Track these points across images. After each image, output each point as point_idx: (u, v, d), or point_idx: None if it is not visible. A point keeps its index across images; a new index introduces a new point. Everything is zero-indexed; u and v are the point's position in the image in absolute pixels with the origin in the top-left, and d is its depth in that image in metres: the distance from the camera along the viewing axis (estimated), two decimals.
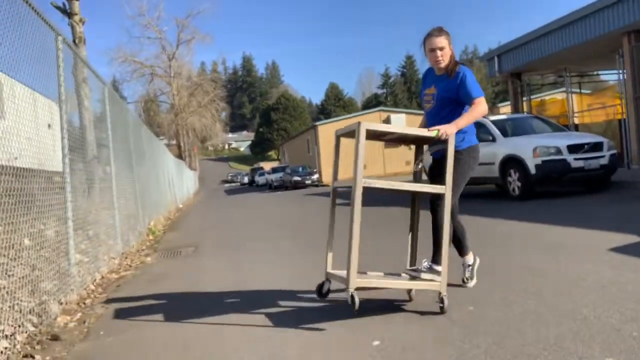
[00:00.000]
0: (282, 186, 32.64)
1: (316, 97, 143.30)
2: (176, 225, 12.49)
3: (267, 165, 56.30)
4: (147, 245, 8.65)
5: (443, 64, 3.51)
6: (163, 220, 13.05)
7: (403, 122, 33.46)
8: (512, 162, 9.54)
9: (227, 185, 61.21)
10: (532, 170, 9.09)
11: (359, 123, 3.20)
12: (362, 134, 3.19)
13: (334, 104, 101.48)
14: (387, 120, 33.67)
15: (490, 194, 11.49)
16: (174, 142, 61.80)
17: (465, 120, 3.37)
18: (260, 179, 43.41)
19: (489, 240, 5.66)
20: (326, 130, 33.30)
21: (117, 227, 7.01)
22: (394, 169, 33.44)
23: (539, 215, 7.35)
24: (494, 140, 10.06)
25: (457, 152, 3.37)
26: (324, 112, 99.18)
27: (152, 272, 6.01)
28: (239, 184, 60.40)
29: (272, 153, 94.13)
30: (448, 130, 3.24)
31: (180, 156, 54.03)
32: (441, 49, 3.48)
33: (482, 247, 4.65)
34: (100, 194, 7.02)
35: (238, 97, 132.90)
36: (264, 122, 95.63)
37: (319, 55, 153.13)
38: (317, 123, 35.35)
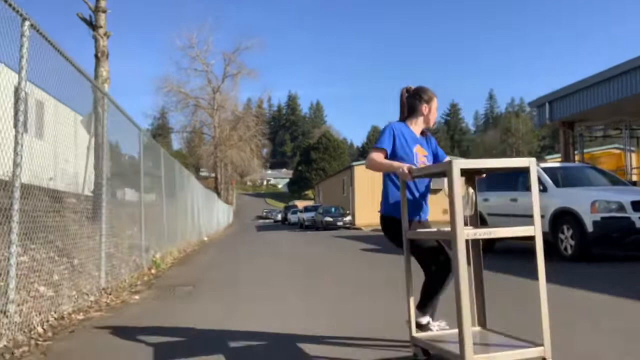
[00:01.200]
0: (313, 226, 31.61)
1: (358, 140, 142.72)
2: (189, 260, 11.58)
3: (301, 204, 55.46)
4: (143, 281, 7.71)
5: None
6: (176, 252, 12.16)
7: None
8: (565, 217, 8.28)
9: (260, 221, 60.62)
10: (589, 228, 7.80)
11: (450, 162, 2.70)
12: (456, 174, 2.60)
13: None
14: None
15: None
16: (213, 175, 62.08)
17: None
18: (292, 217, 42.50)
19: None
20: (363, 171, 32.24)
21: (102, 257, 6.12)
22: (432, 217, 31.93)
23: (600, 282, 6.08)
24: (544, 190, 8.84)
25: None
26: (364, 154, 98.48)
27: (126, 315, 5.03)
28: (272, 220, 59.71)
29: (310, 192, 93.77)
30: None
31: (216, 189, 53.96)
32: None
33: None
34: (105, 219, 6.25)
35: (280, 135, 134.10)
36: (304, 160, 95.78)
37: (363, 98, 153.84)
38: (354, 163, 34.35)
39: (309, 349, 3.50)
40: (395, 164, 3.19)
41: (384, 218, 3.46)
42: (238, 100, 66.26)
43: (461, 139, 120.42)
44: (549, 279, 6.37)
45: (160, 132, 70.77)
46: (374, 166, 3.33)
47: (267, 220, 60.74)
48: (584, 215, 7.88)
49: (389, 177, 3.41)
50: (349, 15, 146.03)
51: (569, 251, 8.18)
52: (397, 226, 3.26)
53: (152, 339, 3.95)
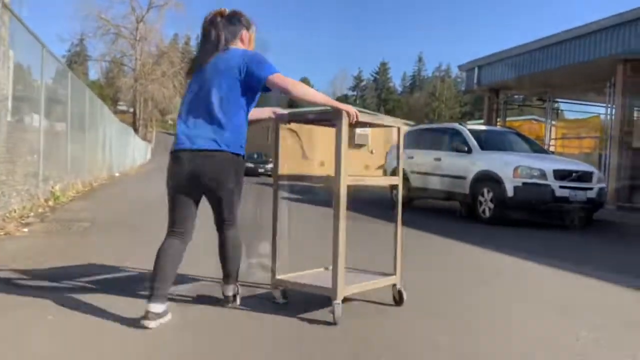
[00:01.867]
0: None
1: None
2: (94, 194, 10.73)
3: None
4: (37, 213, 6.93)
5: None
6: (81, 185, 11.25)
7: (368, 133, 32.30)
8: (486, 180, 8.26)
9: None
10: (510, 193, 7.82)
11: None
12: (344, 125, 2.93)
13: None
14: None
15: (449, 211, 10.27)
16: (132, 110, 59.02)
17: (322, 99, 3.11)
18: None
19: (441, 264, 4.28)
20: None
21: None
22: (353, 172, 32.18)
23: (514, 246, 6.06)
24: (469, 151, 8.78)
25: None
26: (292, 105, 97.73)
27: (7, 249, 4.37)
28: None
29: None
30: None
31: (134, 124, 51.44)
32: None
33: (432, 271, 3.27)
34: None
35: None
36: None
37: (295, 48, 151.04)
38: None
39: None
40: (341, 104, 2.93)
41: (242, 159, 2.89)
42: (163, 34, 62.74)
43: (388, 98, 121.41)
44: (461, 238, 6.34)
45: (77, 59, 66.12)
46: (307, 95, 2.87)
47: None
48: (505, 179, 7.87)
49: (247, 110, 2.90)
50: None
51: (487, 214, 8.20)
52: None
53: (28, 279, 3.37)
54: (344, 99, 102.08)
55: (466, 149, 8.80)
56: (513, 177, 7.80)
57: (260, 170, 28.32)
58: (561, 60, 13.12)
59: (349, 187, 2.87)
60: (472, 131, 9.19)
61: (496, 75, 15.72)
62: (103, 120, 15.92)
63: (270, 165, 28.93)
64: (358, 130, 32.00)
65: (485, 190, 8.25)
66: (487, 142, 8.99)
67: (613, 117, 11.97)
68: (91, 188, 11.86)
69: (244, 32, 2.89)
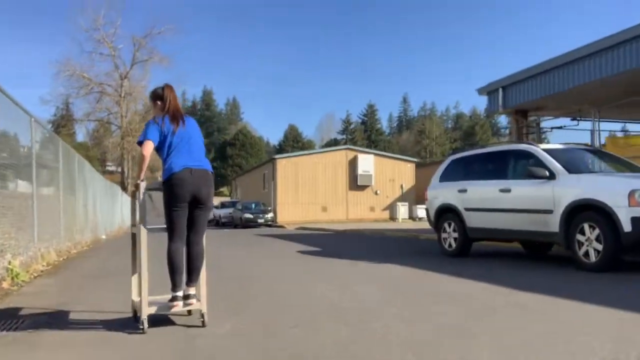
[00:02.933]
0: (231, 223, 28.73)
1: (274, 138, 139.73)
2: (69, 266, 8.53)
3: (217, 201, 52.13)
4: None
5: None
6: (54, 255, 9.06)
7: (372, 163, 30.40)
8: (587, 212, 6.21)
9: None
10: (626, 227, 5.75)
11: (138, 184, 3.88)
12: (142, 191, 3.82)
13: (293, 145, 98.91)
14: (354, 160, 30.51)
15: (517, 254, 8.17)
16: (120, 168, 56.96)
17: (138, 171, 4.05)
18: None
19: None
20: (286, 166, 29.83)
21: None
22: (358, 215, 30.11)
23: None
24: (552, 176, 6.76)
25: None
26: (282, 152, 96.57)
27: None
28: None
29: (225, 190, 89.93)
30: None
31: (122, 183, 49.30)
32: (152, 106, 4.15)
33: None
34: None
35: None
36: (219, 156, 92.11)
37: (280, 98, 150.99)
38: (277, 156, 31.77)
39: None
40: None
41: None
42: (149, 89, 61.45)
43: (378, 139, 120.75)
44: (578, 296, 4.25)
45: (62, 122, 64.21)
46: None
47: None
48: (618, 209, 5.81)
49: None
50: (262, 17, 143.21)
51: (593, 258, 6.11)
52: None
53: None
54: (333, 142, 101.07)
55: (547, 173, 6.78)
56: (629, 206, 5.75)
57: (260, 221, 26.13)
58: (604, 70, 11.31)
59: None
60: (548, 151, 7.20)
61: (525, 95, 13.92)
62: (83, 176, 13.84)
63: (270, 215, 26.79)
64: (360, 170, 30.25)
65: (586, 226, 6.19)
66: (573, 163, 6.98)
67: None
68: (68, 257, 9.66)
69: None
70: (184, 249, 3.82)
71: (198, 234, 3.87)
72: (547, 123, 16.23)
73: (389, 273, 6.59)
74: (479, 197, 7.93)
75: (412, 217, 29.58)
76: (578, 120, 14.57)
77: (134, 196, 4.03)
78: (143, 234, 3.72)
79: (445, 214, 8.72)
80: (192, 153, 3.83)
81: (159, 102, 3.97)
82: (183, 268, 3.79)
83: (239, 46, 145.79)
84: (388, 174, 31.03)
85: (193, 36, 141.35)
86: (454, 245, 8.52)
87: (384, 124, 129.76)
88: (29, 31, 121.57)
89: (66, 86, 53.10)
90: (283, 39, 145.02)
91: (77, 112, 59.81)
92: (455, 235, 8.46)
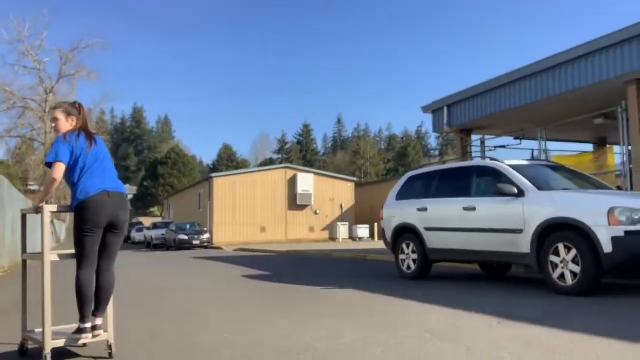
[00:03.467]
0: (164, 245, 27.23)
1: (208, 158, 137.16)
2: None
3: (147, 221, 49.90)
4: None
5: (58, 133, 3.72)
6: None
7: (311, 182, 29.87)
8: (562, 231, 5.82)
9: None
10: (606, 248, 5.38)
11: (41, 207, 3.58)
12: (46, 215, 3.55)
13: (227, 164, 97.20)
14: (293, 179, 29.87)
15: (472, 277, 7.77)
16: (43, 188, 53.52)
17: (43, 194, 3.74)
18: (137, 235, 37.21)
19: None
20: (223, 185, 28.74)
21: None
22: (298, 235, 29.38)
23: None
24: (521, 193, 6.37)
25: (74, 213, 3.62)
26: (215, 171, 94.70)
27: None
28: None
29: (156, 209, 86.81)
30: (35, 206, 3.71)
31: (45, 203, 46.20)
32: (54, 119, 3.79)
33: None
34: None
35: (124, 148, 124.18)
36: (150, 175, 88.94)
37: (213, 117, 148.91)
38: (213, 175, 30.58)
39: None
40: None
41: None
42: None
43: (313, 159, 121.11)
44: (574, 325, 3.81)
45: None
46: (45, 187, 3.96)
47: None
48: (597, 229, 5.44)
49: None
50: (197, 35, 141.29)
51: (569, 281, 5.71)
52: None
53: None
54: (269, 162, 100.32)
55: (516, 190, 6.39)
56: (609, 225, 5.39)
57: (196, 242, 24.89)
58: (551, 89, 11.31)
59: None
60: (514, 167, 6.83)
61: (470, 114, 13.82)
62: (1, 195, 12.40)
63: (206, 236, 25.61)
64: (299, 190, 29.60)
65: (561, 247, 5.80)
66: (540, 179, 6.63)
67: (630, 148, 10.10)
68: None
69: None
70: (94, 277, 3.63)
71: (110, 261, 3.70)
72: (490, 142, 16.26)
73: (352, 301, 5.93)
74: (441, 215, 7.46)
75: (352, 237, 29.20)
76: (521, 139, 14.64)
77: (24, 220, 3.95)
78: (47, 261, 3.48)
79: (404, 234, 8.20)
80: (107, 174, 3.67)
81: (71, 119, 3.76)
82: (93, 297, 3.59)
83: (172, 64, 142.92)
84: (328, 193, 30.58)
85: (124, 52, 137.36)
86: (412, 267, 8.00)
87: (319, 144, 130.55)
88: None
89: None
90: (217, 58, 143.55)
91: None
92: (415, 256, 7.95)
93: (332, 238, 29.62)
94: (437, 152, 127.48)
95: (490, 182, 6.88)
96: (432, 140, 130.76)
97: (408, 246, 8.10)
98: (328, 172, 35.66)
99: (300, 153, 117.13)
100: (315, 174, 31.26)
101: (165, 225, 29.56)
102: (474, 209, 6.92)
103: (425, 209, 7.77)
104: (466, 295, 6.19)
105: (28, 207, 3.85)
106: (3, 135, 55.29)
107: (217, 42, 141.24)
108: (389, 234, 8.58)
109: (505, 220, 6.46)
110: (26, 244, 4.09)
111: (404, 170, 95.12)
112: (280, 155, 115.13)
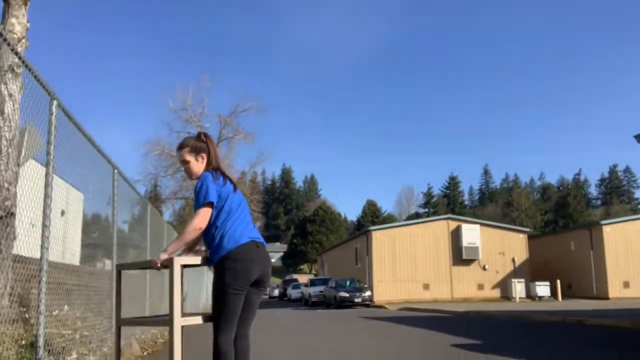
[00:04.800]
0: (323, 303, 26.12)
1: (352, 214, 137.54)
2: None
3: (301, 278, 49.85)
4: None
5: (192, 177, 3.30)
6: (138, 347, 6.94)
7: (477, 234, 27.19)
8: None
9: None
10: None
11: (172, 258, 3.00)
12: (177, 269, 2.96)
13: (372, 220, 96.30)
14: (457, 231, 27.43)
15: None
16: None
17: (176, 243, 3.08)
18: (294, 293, 36.81)
19: None
20: (381, 238, 27.17)
21: None
22: (464, 293, 26.62)
23: None
24: None
25: (215, 266, 3.05)
26: (360, 228, 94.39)
27: None
28: (267, 296, 54.00)
29: (305, 267, 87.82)
30: (158, 259, 3.06)
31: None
32: (184, 162, 3.29)
33: None
34: None
35: (274, 208, 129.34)
36: (299, 233, 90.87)
37: (357, 173, 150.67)
38: (371, 228, 29.16)
39: None
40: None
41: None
42: (234, 166, 61.78)
43: (461, 212, 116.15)
44: None
45: (152, 201, 65.31)
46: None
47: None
48: None
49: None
50: (334, 91, 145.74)
51: None
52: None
53: None
54: (414, 216, 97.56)
55: None
56: None
57: (357, 300, 23.40)
58: None
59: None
60: None
61: None
62: None
63: (367, 293, 24.04)
64: (465, 242, 27.02)
65: None
66: None
67: None
68: (153, 352, 7.50)
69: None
70: None
71: (249, 324, 3.17)
72: None
73: None
74: None
75: (529, 296, 25.71)
76: None
77: (119, 277, 3.47)
78: (178, 326, 2.90)
79: None
80: (249, 223, 3.21)
81: (201, 157, 3.26)
82: None
83: (313, 121, 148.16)
84: (497, 246, 27.59)
85: (272, 115, 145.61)
86: None
87: (465, 197, 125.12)
88: (121, 118, 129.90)
89: (155, 165, 54.07)
90: (356, 111, 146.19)
91: (164, 192, 60.74)
92: None
93: (506, 297, 26.37)
94: (599, 202, 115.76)
95: None
96: (592, 189, 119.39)
97: None
98: (496, 223, 32.55)
99: (448, 207, 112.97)
100: (482, 224, 28.47)
101: (323, 282, 28.55)
102: None
103: None
104: None
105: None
106: (169, 198, 59.78)
107: (354, 93, 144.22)
108: None
109: None
110: (120, 308, 3.44)
111: (565, 222, 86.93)
112: (426, 210, 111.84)
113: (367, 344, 8.11)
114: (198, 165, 3.24)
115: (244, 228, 3.08)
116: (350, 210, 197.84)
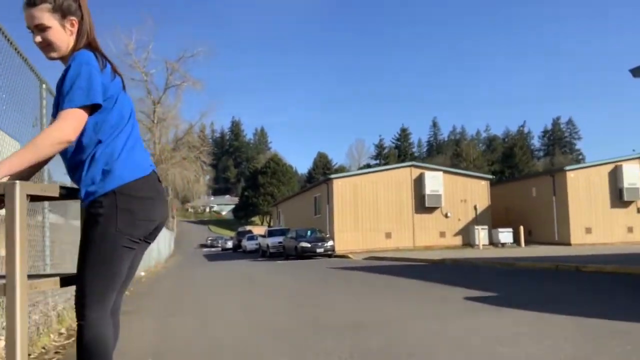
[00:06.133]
0: (282, 254, 25.11)
1: (303, 167, 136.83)
2: None
3: (255, 229, 48.72)
4: None
5: (53, 54, 2.04)
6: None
7: (441, 181, 26.55)
8: None
9: (205, 249, 53.60)
10: None
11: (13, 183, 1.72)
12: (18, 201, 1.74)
13: (323, 172, 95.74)
14: (420, 178, 26.69)
15: None
16: None
17: (22, 155, 1.79)
18: (249, 244, 35.68)
19: None
20: (343, 186, 26.14)
21: None
22: (426, 241, 26.12)
23: None
24: None
25: (91, 205, 1.90)
26: (312, 180, 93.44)
27: None
28: (220, 248, 52.85)
29: (257, 219, 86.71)
30: None
31: None
32: (39, 28, 1.98)
33: None
34: None
35: (224, 161, 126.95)
36: (250, 185, 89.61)
37: (307, 126, 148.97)
38: (332, 176, 28.03)
39: None
40: None
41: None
42: (182, 114, 59.20)
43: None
44: None
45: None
46: None
47: (213, 249, 54.18)
48: None
49: None
50: (289, 46, 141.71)
51: None
52: None
53: None
54: (366, 167, 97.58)
55: None
56: None
57: (319, 250, 22.45)
58: None
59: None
60: None
61: None
62: None
63: (330, 243, 23.09)
64: (428, 190, 26.37)
65: None
66: None
67: None
68: None
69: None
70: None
71: (122, 293, 2.11)
72: None
73: None
74: None
75: (492, 242, 25.47)
76: None
77: None
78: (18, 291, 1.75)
79: None
80: (142, 143, 2.10)
81: (69, 21, 2.00)
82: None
83: (267, 75, 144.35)
84: (459, 193, 27.09)
85: (219, 64, 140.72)
86: None
87: (414, 149, 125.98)
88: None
89: None
90: (308, 65, 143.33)
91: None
92: None
93: (468, 244, 26.06)
94: (541, 153, 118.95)
95: None
96: (536, 141, 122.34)
97: None
98: (459, 170, 32.08)
99: (399, 158, 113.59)
100: (445, 171, 27.79)
101: (282, 232, 27.47)
102: None
103: None
104: None
105: None
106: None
107: (308, 50, 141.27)
108: None
109: None
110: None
111: (511, 172, 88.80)
112: (378, 161, 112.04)
113: (377, 301, 6.99)
114: (64, 35, 2.04)
115: (144, 151, 2.08)
116: (301, 163, 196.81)
